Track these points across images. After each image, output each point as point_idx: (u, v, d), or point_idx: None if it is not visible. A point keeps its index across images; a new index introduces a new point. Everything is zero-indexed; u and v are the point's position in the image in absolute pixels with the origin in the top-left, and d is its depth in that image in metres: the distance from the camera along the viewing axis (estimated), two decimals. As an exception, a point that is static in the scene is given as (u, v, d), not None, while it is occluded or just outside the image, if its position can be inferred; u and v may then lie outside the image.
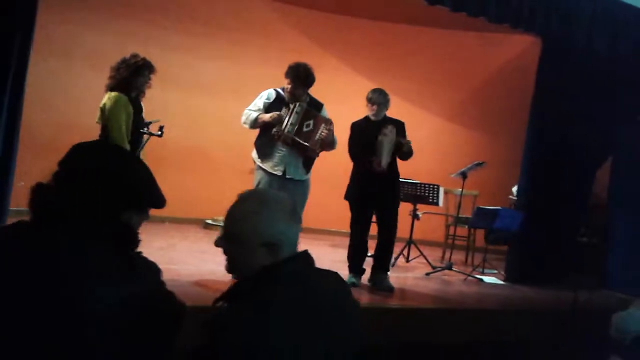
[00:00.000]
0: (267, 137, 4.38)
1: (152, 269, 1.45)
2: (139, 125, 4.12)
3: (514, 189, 6.46)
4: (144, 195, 1.45)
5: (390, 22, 7.55)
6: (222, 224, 5.47)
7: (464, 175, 5.87)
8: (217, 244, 1.51)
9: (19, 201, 4.41)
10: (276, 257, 1.44)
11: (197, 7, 6.95)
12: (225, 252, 1.50)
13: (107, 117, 4.05)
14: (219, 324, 1.34)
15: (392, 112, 4.89)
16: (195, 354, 1.35)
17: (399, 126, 4.78)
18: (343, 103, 7.38)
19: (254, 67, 7.01)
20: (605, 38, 5.68)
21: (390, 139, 4.62)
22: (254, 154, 4.48)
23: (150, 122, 4.22)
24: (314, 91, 4.59)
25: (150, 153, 4.13)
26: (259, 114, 4.38)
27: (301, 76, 4.34)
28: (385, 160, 4.62)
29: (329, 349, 1.40)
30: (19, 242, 1.35)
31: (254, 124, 4.40)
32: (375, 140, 4.61)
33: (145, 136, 4.22)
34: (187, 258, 5.00)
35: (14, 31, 3.69)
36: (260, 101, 4.45)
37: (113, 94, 4.07)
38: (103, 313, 1.29)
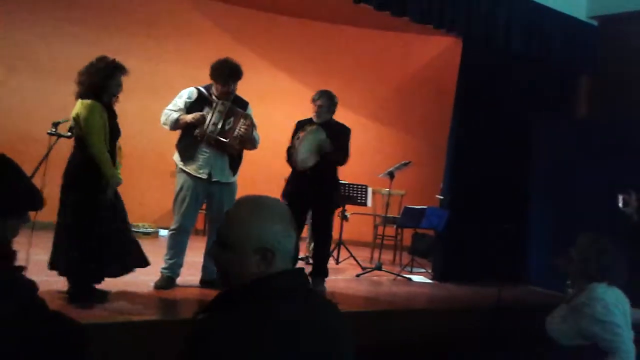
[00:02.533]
0: (189, 138, 4.18)
1: (25, 287, 1.29)
2: (114, 133, 3.72)
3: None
4: (16, 197, 1.28)
5: (314, 20, 7.49)
6: (143, 229, 5.15)
7: (391, 175, 5.88)
8: (211, 252, 1.46)
9: None
10: (269, 266, 1.38)
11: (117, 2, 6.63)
12: (217, 260, 1.45)
13: (84, 129, 3.58)
14: (199, 334, 1.27)
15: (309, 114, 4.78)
16: None
17: (341, 131, 4.68)
18: (265, 102, 7.26)
19: (173, 65, 6.75)
20: (521, 39, 5.88)
21: (310, 139, 4.50)
22: (176, 157, 4.26)
23: (58, 122, 3.83)
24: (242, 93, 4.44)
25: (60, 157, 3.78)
26: (180, 115, 4.17)
27: (230, 73, 4.17)
28: (300, 158, 4.49)
29: None
30: None
31: (175, 124, 4.19)
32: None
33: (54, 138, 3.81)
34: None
35: None
36: (180, 101, 4.23)
37: (86, 101, 3.60)
38: None
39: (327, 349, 1.36)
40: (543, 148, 6.19)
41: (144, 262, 3.79)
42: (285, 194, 4.69)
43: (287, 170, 4.79)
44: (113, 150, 3.73)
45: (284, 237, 1.40)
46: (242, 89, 4.43)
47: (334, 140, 4.56)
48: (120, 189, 3.75)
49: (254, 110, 4.44)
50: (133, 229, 6.37)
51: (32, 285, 1.30)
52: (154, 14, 6.86)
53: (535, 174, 6.22)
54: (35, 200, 1.32)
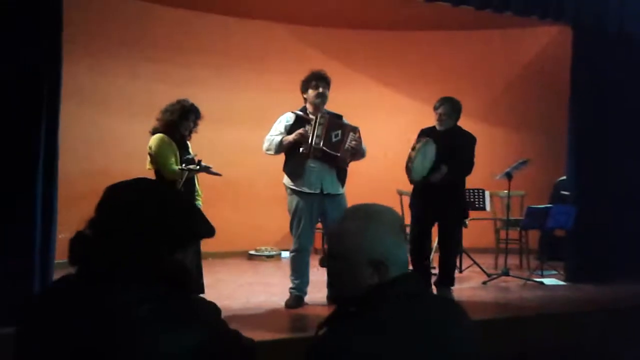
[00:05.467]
0: (295, 158, 4.29)
1: (212, 311, 1.33)
2: (184, 162, 4.09)
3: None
4: (192, 226, 1.35)
5: (410, 30, 7.44)
6: (265, 253, 5.37)
7: (509, 176, 5.64)
8: (322, 263, 1.43)
9: (62, 253, 4.45)
10: (384, 277, 1.35)
11: (216, 39, 7.00)
12: (329, 273, 1.42)
13: (157, 160, 4.04)
14: (323, 350, 1.25)
15: (423, 119, 4.73)
16: None
17: (466, 141, 4.61)
18: (369, 117, 7.30)
19: (276, 93, 7.00)
20: (635, 21, 5.46)
21: (423, 151, 4.42)
22: (286, 180, 4.38)
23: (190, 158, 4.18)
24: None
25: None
26: (283, 137, 4.30)
27: (317, 76, 4.30)
28: (416, 176, 4.41)
29: None
30: (68, 301, 1.25)
31: (279, 147, 4.31)
32: (439, 152, 4.45)
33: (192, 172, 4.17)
34: (236, 292, 4.90)
35: (41, 83, 3.70)
36: (280, 125, 4.37)
37: (155, 135, 4.09)
38: None
39: (449, 352, 1.31)
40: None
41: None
42: (412, 204, 4.66)
43: (398, 184, 4.75)
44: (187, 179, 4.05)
45: (396, 247, 1.38)
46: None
47: (458, 150, 4.50)
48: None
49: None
50: (260, 254, 6.75)
51: (216, 309, 1.35)
52: (255, 47, 7.17)
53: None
54: (211, 227, 1.37)
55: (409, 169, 4.39)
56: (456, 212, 4.67)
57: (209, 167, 4.11)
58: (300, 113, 4.37)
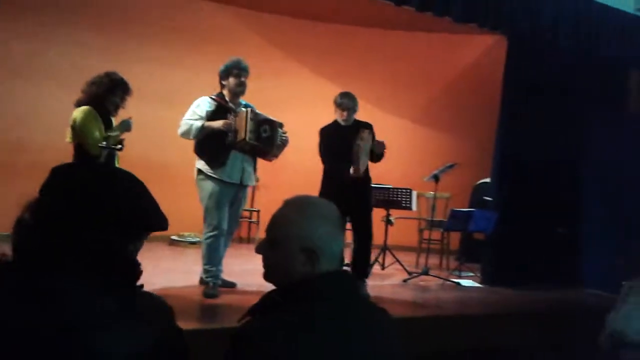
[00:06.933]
0: (217, 146, 4.20)
1: (163, 310, 1.25)
2: (106, 139, 3.89)
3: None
4: (147, 218, 1.24)
5: (354, 25, 7.46)
6: (188, 239, 5.20)
7: (436, 178, 5.76)
8: (258, 249, 1.44)
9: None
10: (314, 267, 1.36)
11: (150, 15, 6.72)
12: (264, 259, 1.44)
13: (79, 133, 3.80)
14: (245, 340, 1.25)
15: (358, 116, 4.75)
16: None
17: (370, 129, 4.66)
18: (306, 108, 7.25)
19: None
20: (569, 34, 5.70)
21: (368, 144, 4.49)
22: (202, 165, 4.26)
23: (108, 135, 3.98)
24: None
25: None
26: (204, 123, 4.21)
27: (242, 65, 4.29)
28: (363, 166, 4.48)
29: None
30: (4, 291, 1.12)
31: (199, 132, 4.21)
32: (347, 146, 4.46)
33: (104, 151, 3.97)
34: (153, 277, 4.71)
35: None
36: (199, 110, 4.27)
37: (81, 107, 3.85)
38: None
39: (372, 353, 1.32)
40: (595, 146, 5.97)
41: None
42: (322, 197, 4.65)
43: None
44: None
45: (330, 239, 1.38)
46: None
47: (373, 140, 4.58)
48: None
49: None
50: (183, 240, 6.53)
51: (169, 307, 1.27)
52: (194, 25, 6.95)
53: (588, 172, 6.01)
54: (164, 220, 1.28)
55: (356, 159, 4.43)
56: (368, 204, 4.73)
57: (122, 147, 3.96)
58: (223, 101, 4.30)
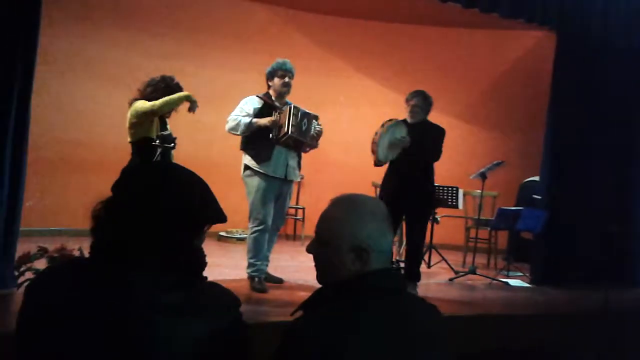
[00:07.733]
0: (263, 142, 4.33)
1: (228, 301, 1.32)
2: (160, 138, 4.04)
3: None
4: (209, 212, 1.34)
5: (398, 22, 7.44)
6: (236, 235, 5.33)
7: (483, 176, 5.70)
8: (309, 249, 1.46)
9: (28, 221, 4.35)
10: (365, 265, 1.36)
11: (199, 17, 6.90)
12: (315, 259, 1.45)
13: (135, 126, 3.99)
14: (297, 333, 1.27)
15: (404, 112, 4.73)
16: None
17: (435, 132, 4.65)
18: (349, 107, 7.28)
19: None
20: (619, 30, 5.54)
21: (389, 134, 4.45)
22: (248, 160, 4.39)
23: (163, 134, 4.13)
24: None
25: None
26: (252, 119, 4.33)
27: (287, 66, 4.41)
28: (383, 157, 4.47)
29: None
30: (81, 282, 1.23)
31: (247, 128, 4.33)
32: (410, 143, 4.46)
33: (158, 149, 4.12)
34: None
35: (16, 50, 3.59)
36: (247, 107, 4.41)
37: (138, 102, 4.03)
38: (179, 354, 1.18)
39: (420, 349, 1.33)
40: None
41: None
42: (382, 196, 4.67)
43: (374, 175, 4.76)
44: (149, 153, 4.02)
45: (379, 236, 1.39)
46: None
47: (428, 141, 4.54)
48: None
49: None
50: (232, 236, 6.68)
51: (235, 298, 1.33)
52: (238, 27, 7.08)
53: (638, 171, 5.82)
54: (222, 213, 1.36)
55: (375, 149, 4.44)
56: (425, 204, 4.71)
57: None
58: (269, 100, 4.45)
